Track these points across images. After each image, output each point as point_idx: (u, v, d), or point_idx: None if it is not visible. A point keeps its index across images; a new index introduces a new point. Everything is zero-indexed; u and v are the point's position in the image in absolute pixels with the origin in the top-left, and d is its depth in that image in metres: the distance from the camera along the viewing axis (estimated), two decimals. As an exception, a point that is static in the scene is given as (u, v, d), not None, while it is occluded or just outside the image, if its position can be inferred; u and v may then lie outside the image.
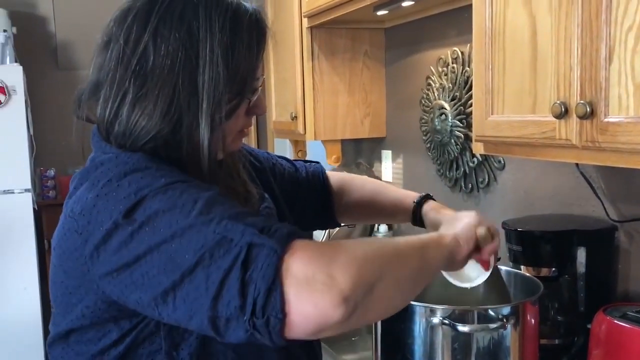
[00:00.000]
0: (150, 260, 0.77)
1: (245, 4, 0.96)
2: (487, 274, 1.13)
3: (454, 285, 1.37)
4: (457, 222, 1.06)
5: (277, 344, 0.73)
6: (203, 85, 0.88)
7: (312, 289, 0.69)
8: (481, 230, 1.05)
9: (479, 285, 1.40)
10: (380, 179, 2.57)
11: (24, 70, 3.18)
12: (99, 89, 0.93)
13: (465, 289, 1.17)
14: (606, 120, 1.01)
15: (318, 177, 1.34)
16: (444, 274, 1.15)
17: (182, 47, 0.88)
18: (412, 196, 1.29)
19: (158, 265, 0.76)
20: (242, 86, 0.93)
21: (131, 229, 0.78)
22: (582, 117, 1.04)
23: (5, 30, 3.31)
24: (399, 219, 1.32)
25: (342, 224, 1.43)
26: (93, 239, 0.82)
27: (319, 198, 1.32)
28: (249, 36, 0.93)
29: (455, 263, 1.01)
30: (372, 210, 1.34)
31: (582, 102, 1.04)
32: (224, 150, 0.98)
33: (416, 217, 1.26)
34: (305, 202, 1.30)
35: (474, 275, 1.13)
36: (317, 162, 1.40)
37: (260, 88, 0.99)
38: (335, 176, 1.38)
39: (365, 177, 1.49)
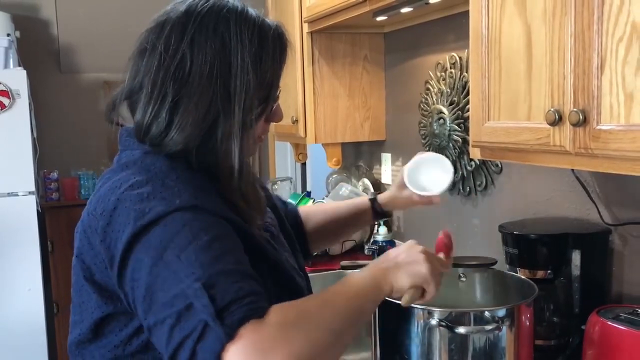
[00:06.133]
0: (142, 284, 0.86)
1: (268, 20, 1.04)
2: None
3: (452, 285, 1.40)
4: (405, 263, 1.01)
5: None
6: (235, 90, 0.97)
7: None
8: (406, 296, 1.01)
9: (476, 288, 1.44)
10: (380, 182, 2.61)
11: (28, 74, 3.20)
12: (134, 93, 1.00)
13: None
14: (598, 128, 1.04)
15: (296, 213, 1.41)
16: (411, 187, 1.27)
17: (217, 55, 0.97)
18: (364, 198, 1.41)
19: (144, 293, 0.85)
20: (268, 92, 1.03)
21: (141, 256, 0.87)
22: (575, 125, 1.07)
23: (8, 35, 3.33)
24: (362, 222, 1.45)
25: (315, 253, 1.53)
26: (109, 243, 0.90)
27: (296, 233, 1.37)
28: (274, 48, 1.02)
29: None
30: (336, 224, 1.43)
31: (575, 110, 1.07)
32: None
33: (376, 212, 1.39)
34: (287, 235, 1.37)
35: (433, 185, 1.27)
36: (292, 203, 1.49)
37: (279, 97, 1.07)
38: (301, 210, 1.46)
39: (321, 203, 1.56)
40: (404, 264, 1.00)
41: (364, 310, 0.94)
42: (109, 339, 0.97)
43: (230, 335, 0.78)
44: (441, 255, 1.09)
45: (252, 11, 1.02)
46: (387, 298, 1.00)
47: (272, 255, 1.04)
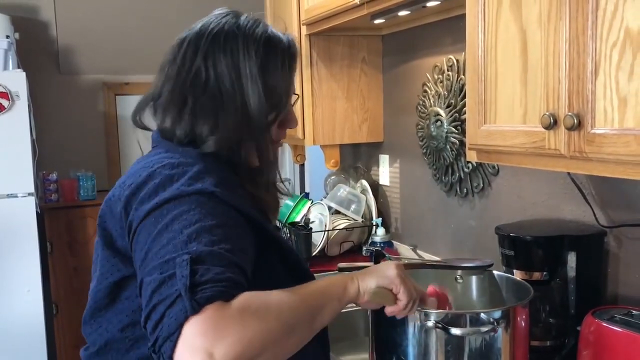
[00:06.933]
0: (144, 247, 0.93)
1: (278, 33, 1.13)
2: None
3: (449, 287, 1.41)
4: (376, 270, 1.09)
5: None
6: (248, 98, 1.07)
7: (193, 357, 0.80)
8: (376, 290, 1.05)
9: (472, 290, 1.45)
10: (378, 183, 2.62)
11: (27, 75, 3.20)
12: (155, 100, 1.11)
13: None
14: (593, 131, 1.05)
15: None
16: None
17: (228, 67, 1.07)
18: None
19: (143, 256, 0.92)
20: (279, 99, 1.11)
21: (150, 224, 0.93)
22: (570, 129, 1.08)
23: (8, 36, 3.33)
24: None
25: None
26: (129, 211, 0.98)
27: None
28: (282, 58, 1.11)
29: (357, 304, 1.07)
30: None
31: (569, 114, 1.08)
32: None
33: None
34: None
35: None
36: None
37: (294, 104, 1.16)
38: None
39: None
40: (373, 270, 1.08)
41: (325, 308, 0.96)
42: (125, 305, 1.04)
43: (195, 309, 0.82)
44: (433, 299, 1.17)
45: (261, 27, 1.12)
46: (356, 303, 1.04)
47: (286, 245, 1.11)
